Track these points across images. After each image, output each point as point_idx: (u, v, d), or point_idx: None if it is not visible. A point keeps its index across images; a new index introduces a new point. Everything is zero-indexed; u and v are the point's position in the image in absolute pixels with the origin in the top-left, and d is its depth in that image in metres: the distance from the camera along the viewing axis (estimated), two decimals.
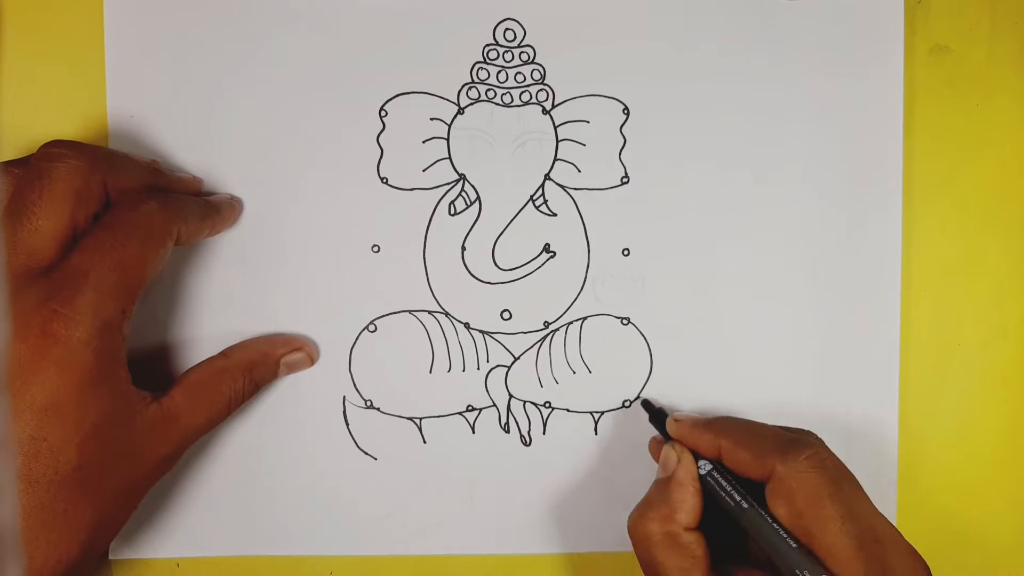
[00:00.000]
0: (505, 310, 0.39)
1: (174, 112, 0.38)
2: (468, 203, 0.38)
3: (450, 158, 0.38)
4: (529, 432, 0.39)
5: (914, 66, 0.39)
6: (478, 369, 0.39)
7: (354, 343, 0.38)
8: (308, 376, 0.38)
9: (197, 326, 0.38)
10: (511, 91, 0.38)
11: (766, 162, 0.39)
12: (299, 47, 0.38)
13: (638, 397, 0.39)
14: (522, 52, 0.38)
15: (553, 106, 0.38)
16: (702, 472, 0.34)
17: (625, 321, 0.39)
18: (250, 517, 0.38)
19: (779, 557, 0.31)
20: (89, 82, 0.37)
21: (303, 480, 0.38)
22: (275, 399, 0.38)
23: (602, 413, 0.39)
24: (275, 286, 0.38)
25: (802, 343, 0.39)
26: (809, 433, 0.35)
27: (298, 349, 0.37)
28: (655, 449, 0.37)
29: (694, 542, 0.33)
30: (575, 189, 0.39)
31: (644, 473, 0.39)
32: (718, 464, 0.34)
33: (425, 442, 0.39)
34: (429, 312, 0.39)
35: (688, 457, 0.34)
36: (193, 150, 0.38)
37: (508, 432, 0.39)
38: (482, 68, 0.38)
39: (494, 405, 0.39)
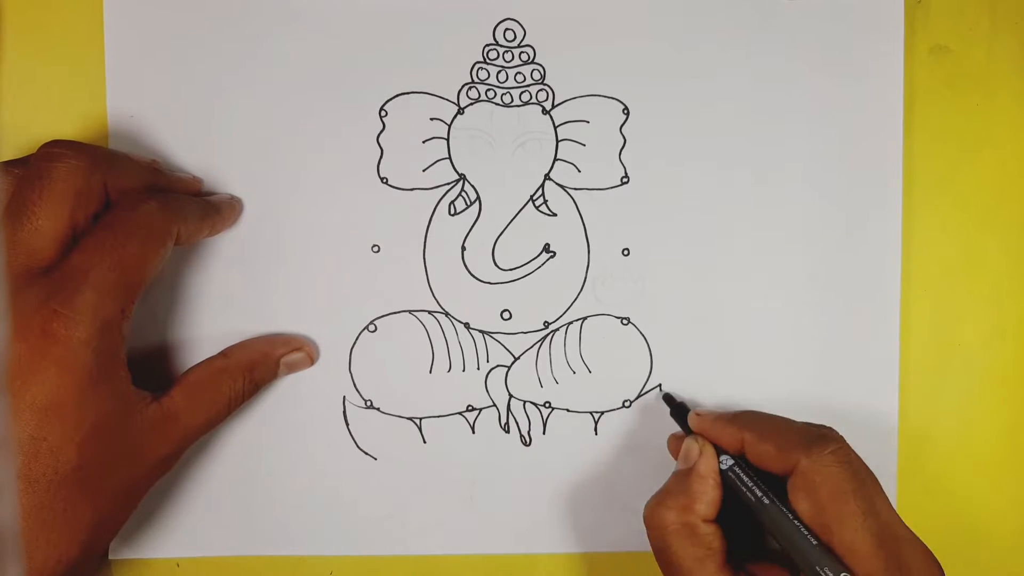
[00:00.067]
0: (505, 310, 0.39)
1: (174, 112, 0.38)
2: (468, 203, 0.38)
3: (450, 158, 0.38)
4: (529, 432, 0.39)
5: (914, 66, 0.39)
6: (478, 369, 0.39)
7: (354, 343, 0.38)
8: (308, 376, 0.38)
9: (197, 326, 0.38)
10: (511, 91, 0.38)
11: (766, 162, 0.38)
12: (299, 47, 0.38)
13: (639, 397, 0.39)
14: (522, 52, 0.38)
15: (553, 106, 0.38)
16: (723, 467, 0.34)
17: (625, 321, 0.39)
18: (250, 517, 0.38)
19: (799, 554, 0.31)
20: (89, 82, 0.37)
21: (303, 480, 0.38)
22: (275, 399, 0.38)
23: (602, 413, 0.39)
24: (275, 286, 0.38)
25: (802, 343, 0.39)
26: (832, 429, 0.35)
27: (298, 349, 0.37)
28: (674, 446, 0.37)
29: (711, 534, 0.33)
30: (575, 189, 0.39)
31: (644, 473, 0.39)
32: (740, 459, 0.34)
33: (425, 442, 0.39)
34: (429, 312, 0.39)
35: (710, 450, 0.34)
36: (193, 150, 0.38)
37: (508, 432, 0.39)
38: (482, 68, 0.38)
39: (494, 405, 0.39)
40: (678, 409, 0.37)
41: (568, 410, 0.39)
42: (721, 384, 0.39)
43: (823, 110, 0.38)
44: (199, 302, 0.38)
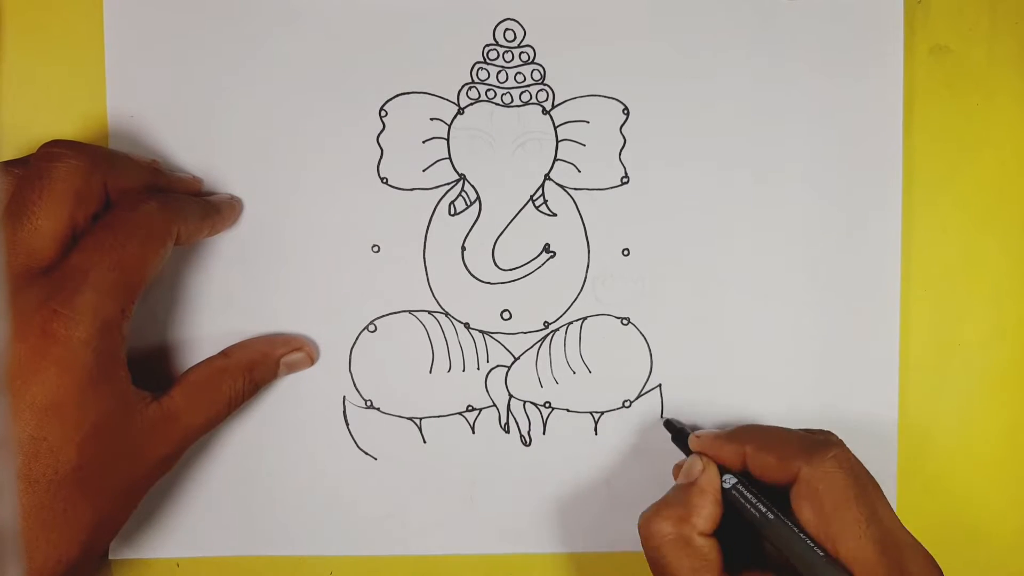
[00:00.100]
0: (505, 310, 0.39)
1: (174, 112, 0.38)
2: (468, 203, 0.38)
3: (450, 158, 0.38)
4: (529, 432, 0.39)
5: (914, 66, 0.39)
6: (478, 369, 0.39)
7: (354, 343, 0.38)
8: (308, 376, 0.38)
9: (197, 326, 0.38)
10: (511, 91, 0.38)
11: (766, 162, 0.38)
12: (299, 47, 0.38)
13: (639, 397, 0.39)
14: (522, 52, 0.38)
15: (553, 106, 0.38)
16: (726, 486, 0.34)
17: (625, 321, 0.39)
18: (250, 517, 0.38)
19: (807, 569, 0.31)
20: (89, 82, 0.37)
21: (303, 480, 0.38)
22: (275, 399, 0.38)
23: (602, 413, 0.39)
24: (275, 286, 0.38)
25: (802, 343, 0.39)
26: (830, 434, 0.35)
27: (298, 349, 0.37)
28: (679, 474, 0.37)
29: (707, 546, 0.32)
30: (575, 189, 0.39)
31: (644, 473, 0.39)
32: (742, 478, 0.34)
33: (425, 442, 0.39)
34: (429, 312, 0.39)
35: (713, 468, 0.34)
36: (193, 150, 0.38)
37: (508, 432, 0.39)
38: (482, 68, 0.38)
39: (494, 405, 0.39)
40: (679, 435, 0.37)
41: (568, 410, 0.39)
42: (721, 384, 0.39)
43: (823, 110, 0.38)
44: (199, 302, 0.38)
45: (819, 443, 0.33)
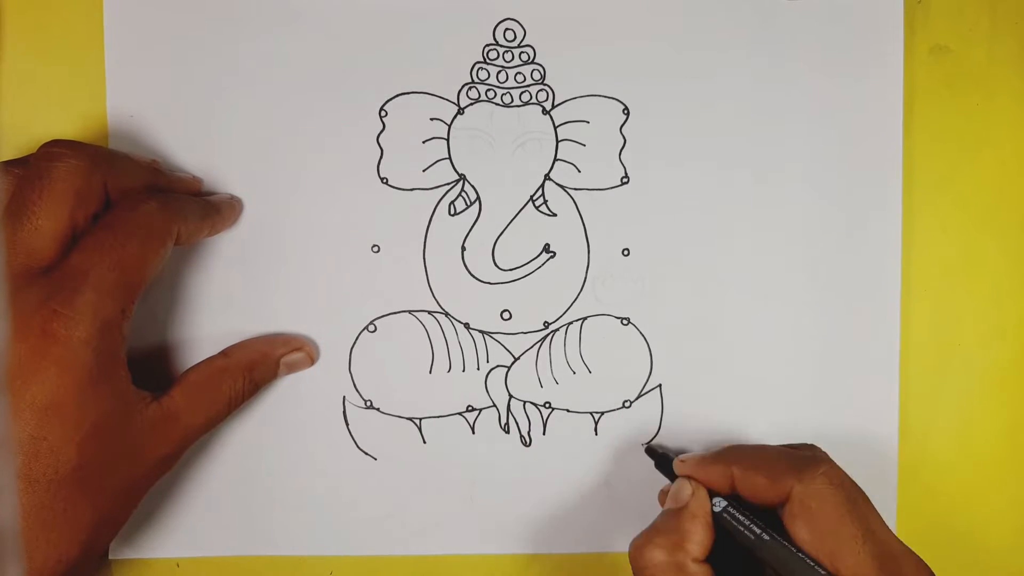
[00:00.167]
0: (505, 310, 0.39)
1: (174, 112, 0.38)
2: (468, 203, 0.38)
3: (450, 158, 0.38)
4: (529, 432, 0.39)
5: (914, 66, 0.39)
6: (478, 369, 0.39)
7: (354, 343, 0.38)
8: (308, 376, 0.38)
9: (197, 326, 0.38)
10: (511, 91, 0.38)
11: (766, 162, 0.38)
12: (299, 47, 0.38)
13: (639, 397, 0.39)
14: (522, 52, 0.38)
15: (553, 106, 0.38)
16: (717, 509, 0.33)
17: (625, 321, 0.39)
18: (250, 517, 0.38)
19: None
20: (89, 82, 0.37)
21: (303, 480, 0.38)
22: (275, 399, 0.38)
23: (602, 413, 0.39)
24: (275, 286, 0.38)
25: (802, 343, 0.39)
26: (816, 448, 0.35)
27: (298, 349, 0.37)
28: (663, 499, 0.36)
29: (700, 572, 0.32)
30: (575, 189, 0.39)
31: (644, 473, 0.39)
32: (732, 500, 0.33)
33: (425, 442, 0.39)
34: (429, 312, 0.39)
35: (702, 491, 0.34)
36: (193, 150, 0.38)
37: (508, 432, 0.39)
38: (482, 68, 0.38)
39: (494, 405, 0.39)
40: (662, 460, 0.37)
41: (568, 410, 0.39)
42: (721, 384, 0.39)
43: (823, 110, 0.38)
44: (199, 302, 0.38)
45: (808, 460, 0.32)
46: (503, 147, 0.38)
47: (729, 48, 0.38)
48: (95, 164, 0.32)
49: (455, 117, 0.38)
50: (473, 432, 0.39)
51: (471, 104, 0.38)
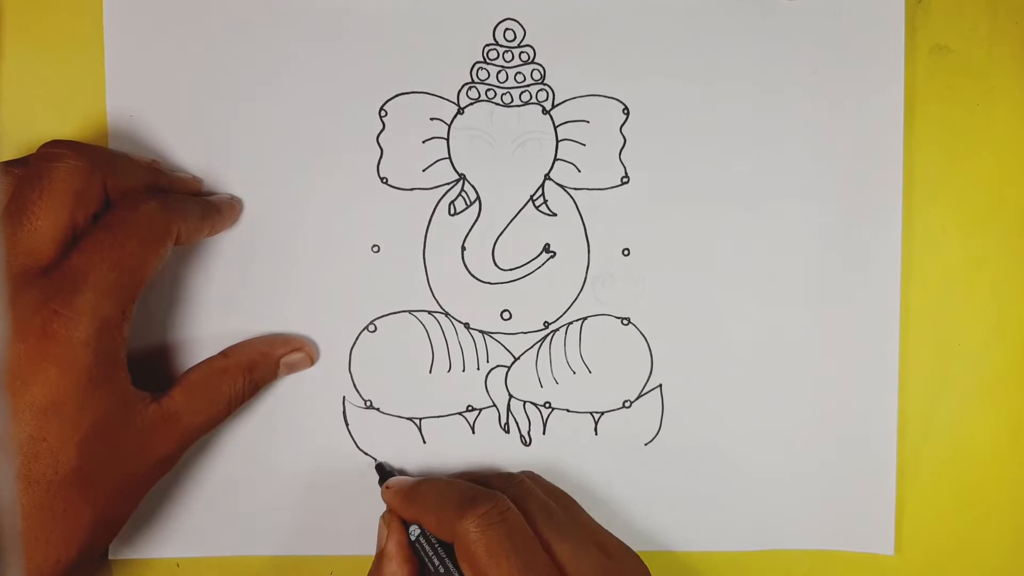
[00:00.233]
0: (505, 310, 0.39)
1: (174, 112, 0.38)
2: (468, 203, 0.38)
3: (450, 158, 0.38)
4: (529, 432, 0.39)
5: (914, 66, 0.39)
6: (478, 369, 0.39)
7: (354, 343, 0.38)
8: (308, 376, 0.38)
9: (197, 326, 0.38)
10: (511, 91, 0.38)
11: (766, 162, 0.38)
12: (299, 47, 0.38)
13: (639, 397, 0.39)
14: (522, 52, 0.38)
15: (553, 106, 0.38)
16: (412, 537, 0.34)
17: (625, 321, 0.39)
18: (250, 517, 0.38)
19: None
20: (89, 82, 0.37)
21: (303, 480, 0.38)
22: (275, 399, 0.38)
23: (602, 413, 0.39)
24: (275, 286, 0.38)
25: (802, 343, 0.39)
26: (514, 475, 0.35)
27: (298, 349, 0.37)
28: None
29: None
30: (575, 189, 0.39)
31: (644, 474, 0.39)
32: (425, 529, 0.34)
33: (425, 442, 0.39)
34: (429, 312, 0.39)
35: (396, 525, 0.34)
36: (193, 150, 0.38)
37: (508, 432, 0.39)
38: (482, 68, 0.38)
39: (494, 405, 0.39)
40: (384, 479, 0.37)
41: (568, 410, 0.39)
42: (721, 384, 0.39)
43: (823, 110, 0.38)
44: (199, 302, 0.38)
45: (472, 500, 0.32)
46: (503, 147, 0.38)
47: (729, 48, 0.38)
48: (95, 164, 0.32)
49: (455, 117, 0.38)
50: (473, 432, 0.39)
51: (471, 104, 0.38)
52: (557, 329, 0.39)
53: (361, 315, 0.38)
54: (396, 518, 0.35)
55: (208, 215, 0.36)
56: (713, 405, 0.39)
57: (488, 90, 0.38)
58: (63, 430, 0.30)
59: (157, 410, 0.33)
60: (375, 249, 0.38)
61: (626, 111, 0.38)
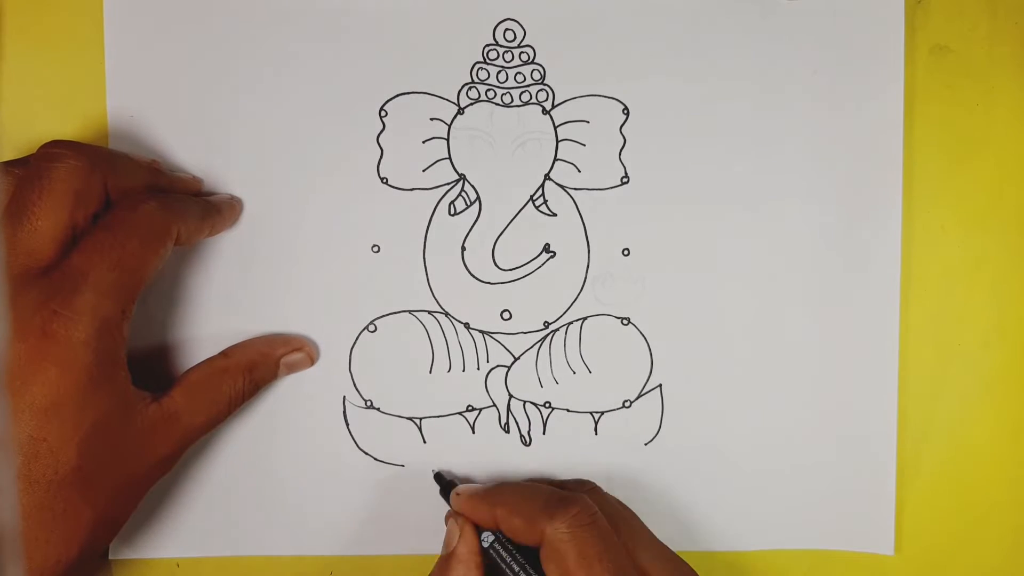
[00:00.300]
0: (505, 310, 0.39)
1: (174, 112, 0.38)
2: (468, 203, 0.38)
3: (450, 158, 0.38)
4: (529, 432, 0.39)
5: (914, 66, 0.39)
6: (478, 369, 0.39)
7: (354, 343, 0.38)
8: (308, 376, 0.38)
9: (197, 326, 0.38)
10: (511, 91, 0.38)
11: (766, 162, 0.38)
12: (299, 47, 0.38)
13: (639, 397, 0.39)
14: (522, 52, 0.38)
15: (553, 106, 0.38)
16: (485, 544, 0.33)
17: (625, 321, 0.39)
18: (250, 517, 0.38)
19: None
20: (89, 82, 0.37)
21: (303, 480, 0.38)
22: (275, 399, 0.38)
23: (602, 413, 0.39)
24: (275, 286, 0.38)
25: (802, 343, 0.39)
26: (586, 483, 0.35)
27: (298, 349, 0.37)
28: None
29: None
30: (575, 189, 0.39)
31: (644, 474, 0.39)
32: (500, 535, 0.33)
33: (425, 442, 0.39)
34: (429, 312, 0.39)
35: (469, 530, 0.34)
36: (193, 150, 0.38)
37: (508, 432, 0.39)
38: (482, 68, 0.38)
39: (494, 405, 0.39)
40: (446, 488, 0.37)
41: (568, 410, 0.39)
42: (721, 384, 0.39)
43: (823, 110, 0.38)
44: (199, 302, 0.38)
45: (562, 501, 0.32)
46: (503, 147, 0.38)
47: (729, 48, 0.38)
48: (95, 164, 0.32)
49: (455, 117, 0.38)
50: (473, 432, 0.39)
51: (471, 104, 0.38)
52: (557, 329, 0.39)
53: (361, 315, 0.38)
54: (469, 523, 0.34)
55: (208, 215, 0.36)
56: (713, 405, 0.39)
57: (488, 90, 0.38)
58: (63, 430, 0.30)
59: (157, 410, 0.33)
60: (375, 249, 0.38)
61: (626, 111, 0.38)
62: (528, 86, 0.38)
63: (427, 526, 0.39)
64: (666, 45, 0.38)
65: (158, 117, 0.38)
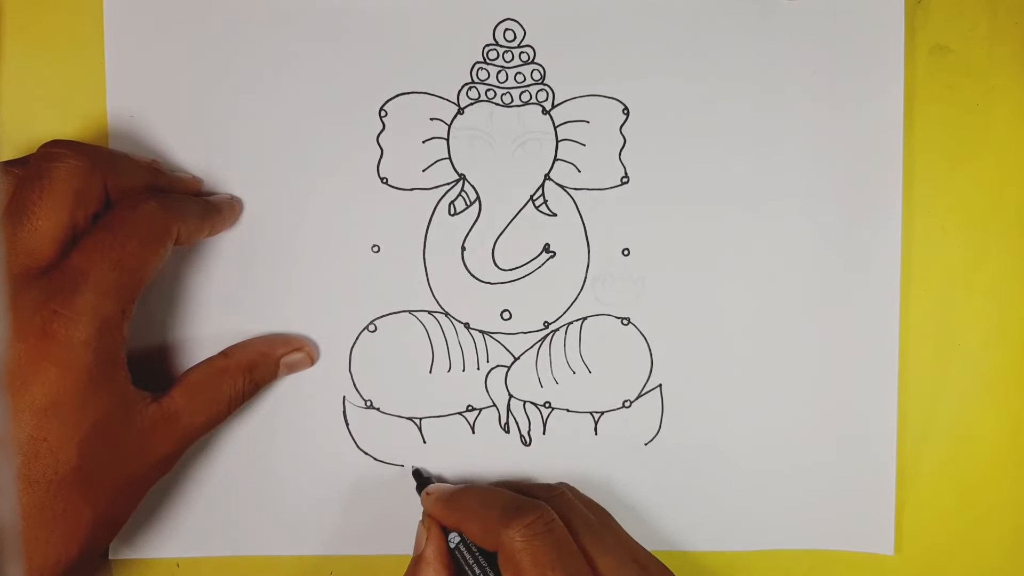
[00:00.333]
0: (505, 310, 0.39)
1: (174, 112, 0.38)
2: (468, 203, 0.38)
3: (450, 158, 0.38)
4: (529, 432, 0.39)
5: (914, 66, 0.39)
6: (478, 369, 0.39)
7: (354, 343, 0.38)
8: (308, 376, 0.38)
9: (197, 326, 0.38)
10: (511, 91, 0.38)
11: (766, 162, 0.38)
12: (299, 47, 0.38)
13: (639, 397, 0.39)
14: (522, 52, 0.38)
15: (553, 106, 0.38)
16: (451, 545, 0.34)
17: (625, 321, 0.39)
18: (250, 517, 0.38)
19: None
20: (89, 82, 0.37)
21: (303, 480, 0.38)
22: (275, 399, 0.38)
23: (602, 413, 0.39)
24: (275, 286, 0.38)
25: (802, 343, 0.39)
26: (554, 487, 0.35)
27: (298, 349, 0.37)
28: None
29: None
30: (575, 189, 0.39)
31: (644, 474, 0.39)
32: (466, 536, 0.34)
33: (425, 442, 0.39)
34: (429, 312, 0.39)
35: (436, 532, 0.34)
36: (193, 150, 0.38)
37: (508, 432, 0.39)
38: (482, 68, 0.38)
39: (494, 405, 0.39)
40: (422, 486, 0.37)
41: (568, 410, 0.39)
42: (721, 384, 0.39)
43: (823, 109, 0.38)
44: (199, 302, 0.38)
45: (518, 509, 0.32)
46: (503, 147, 0.38)
47: (729, 48, 0.38)
48: (95, 164, 0.32)
49: (455, 117, 0.38)
50: (473, 432, 0.39)
51: (471, 104, 0.38)
52: (557, 329, 0.39)
53: (361, 315, 0.38)
54: (436, 524, 0.35)
55: (208, 215, 0.36)
56: (713, 405, 0.39)
57: (488, 90, 0.38)
58: (63, 430, 0.30)
59: (157, 410, 0.33)
60: (375, 249, 0.38)
61: (626, 111, 0.38)
62: (528, 86, 0.38)
63: None
64: (666, 45, 0.38)
65: (158, 117, 0.38)
